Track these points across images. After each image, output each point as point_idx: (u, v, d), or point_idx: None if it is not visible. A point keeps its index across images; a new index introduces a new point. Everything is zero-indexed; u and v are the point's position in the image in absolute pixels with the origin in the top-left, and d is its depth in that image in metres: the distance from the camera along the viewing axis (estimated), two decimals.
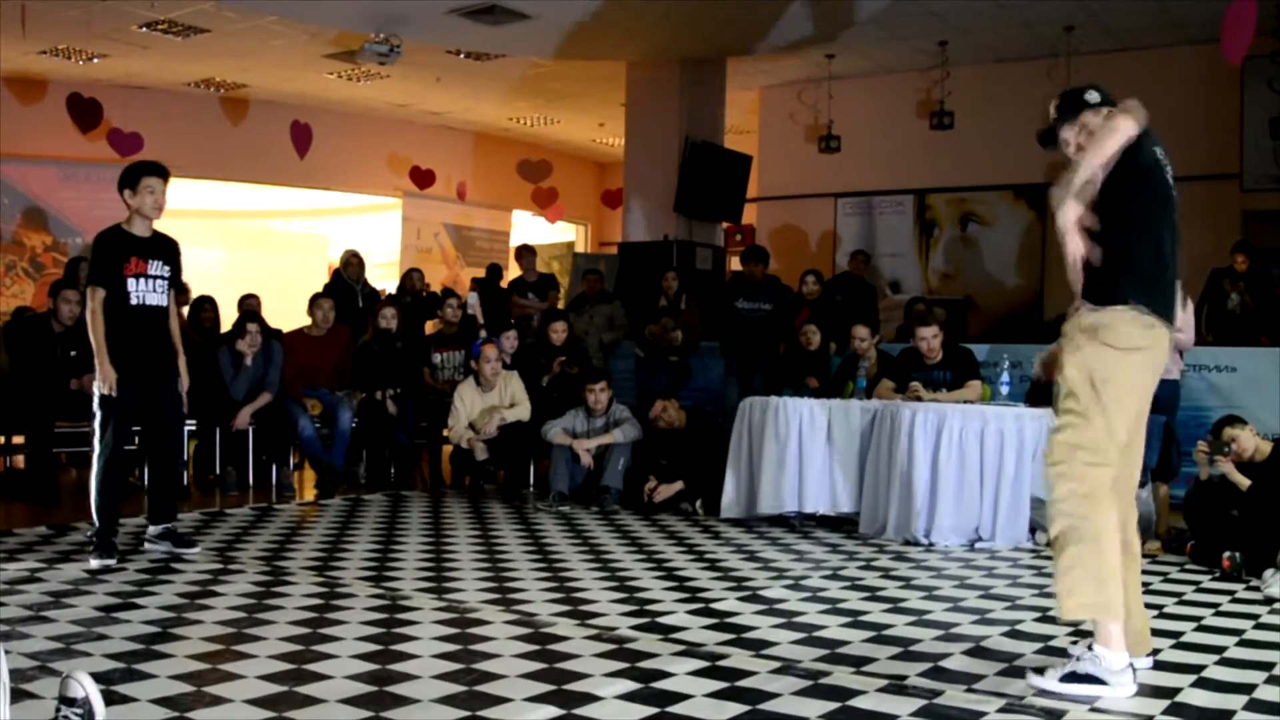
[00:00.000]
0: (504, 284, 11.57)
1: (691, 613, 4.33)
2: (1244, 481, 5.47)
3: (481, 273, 13.37)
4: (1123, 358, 3.37)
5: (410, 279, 10.26)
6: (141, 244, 5.26)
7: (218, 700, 3.14)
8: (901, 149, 12.63)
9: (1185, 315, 6.59)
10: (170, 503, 5.47)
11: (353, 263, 10.02)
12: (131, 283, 5.20)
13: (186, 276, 5.99)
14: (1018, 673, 3.52)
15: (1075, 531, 3.31)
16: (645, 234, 11.55)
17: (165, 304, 5.35)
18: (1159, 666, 3.67)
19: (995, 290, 12.14)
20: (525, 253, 11.38)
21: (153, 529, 5.41)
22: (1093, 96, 3.55)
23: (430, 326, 9.61)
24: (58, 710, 2.63)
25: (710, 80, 11.65)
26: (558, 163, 16.38)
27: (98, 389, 5.17)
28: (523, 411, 7.73)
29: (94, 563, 5.05)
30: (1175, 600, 4.75)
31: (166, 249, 5.37)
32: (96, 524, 5.17)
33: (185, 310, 5.57)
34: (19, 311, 9.58)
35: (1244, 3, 5.53)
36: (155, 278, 5.28)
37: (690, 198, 11.28)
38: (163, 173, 5.27)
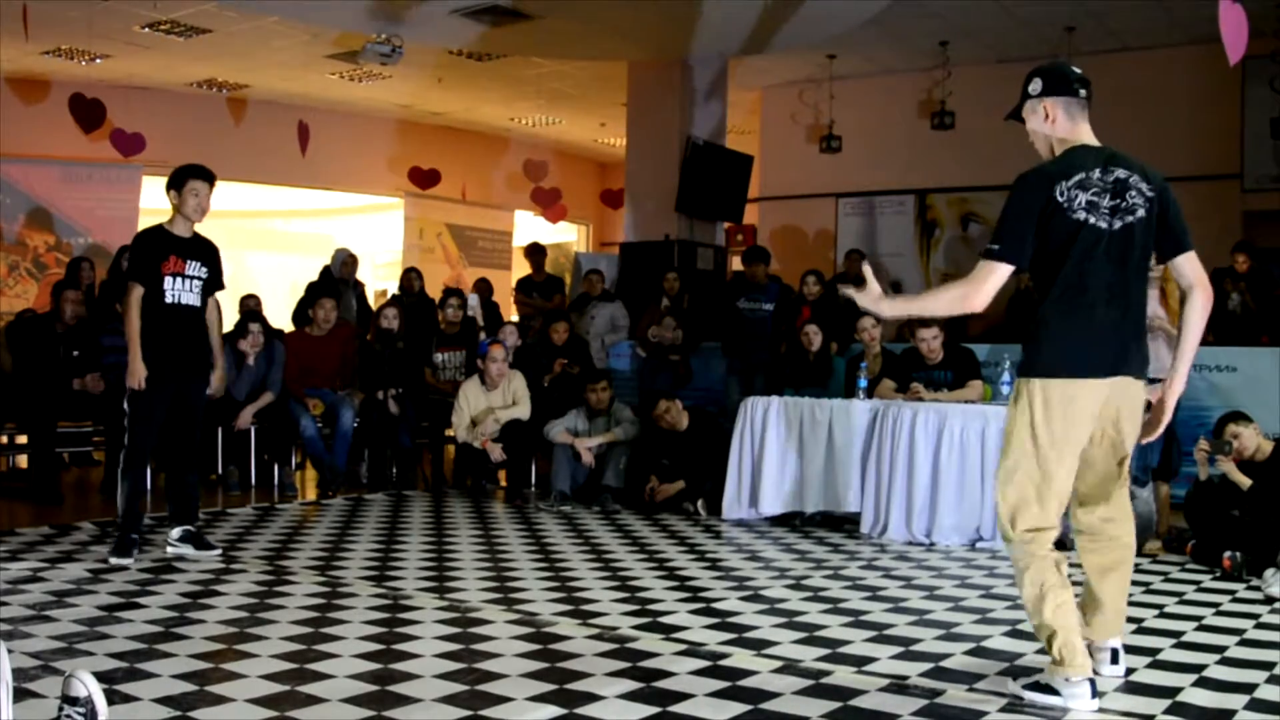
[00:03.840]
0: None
1: (693, 612, 4.34)
2: (1245, 481, 5.46)
3: (483, 273, 13.39)
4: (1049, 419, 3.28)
5: (408, 279, 10.27)
6: (181, 244, 5.34)
7: (220, 699, 3.15)
8: (902, 149, 12.63)
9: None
10: (192, 505, 5.47)
11: (348, 262, 10.04)
12: (169, 281, 5.27)
13: None
14: (1019, 673, 3.52)
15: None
16: (646, 234, 11.55)
17: (199, 304, 5.41)
18: (1159, 666, 3.68)
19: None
20: (536, 252, 11.40)
21: (174, 532, 5.39)
22: (1034, 87, 3.37)
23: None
24: (60, 709, 2.64)
25: (711, 80, 11.64)
26: (559, 163, 16.37)
27: (129, 385, 5.20)
28: (521, 410, 7.73)
29: (112, 560, 5.08)
30: (1176, 600, 4.75)
31: (205, 251, 5.45)
32: (120, 521, 5.21)
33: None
34: (22, 313, 9.58)
35: (1233, 5, 5.51)
36: (192, 278, 5.35)
37: (691, 198, 11.27)
38: (209, 177, 5.38)
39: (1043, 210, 3.23)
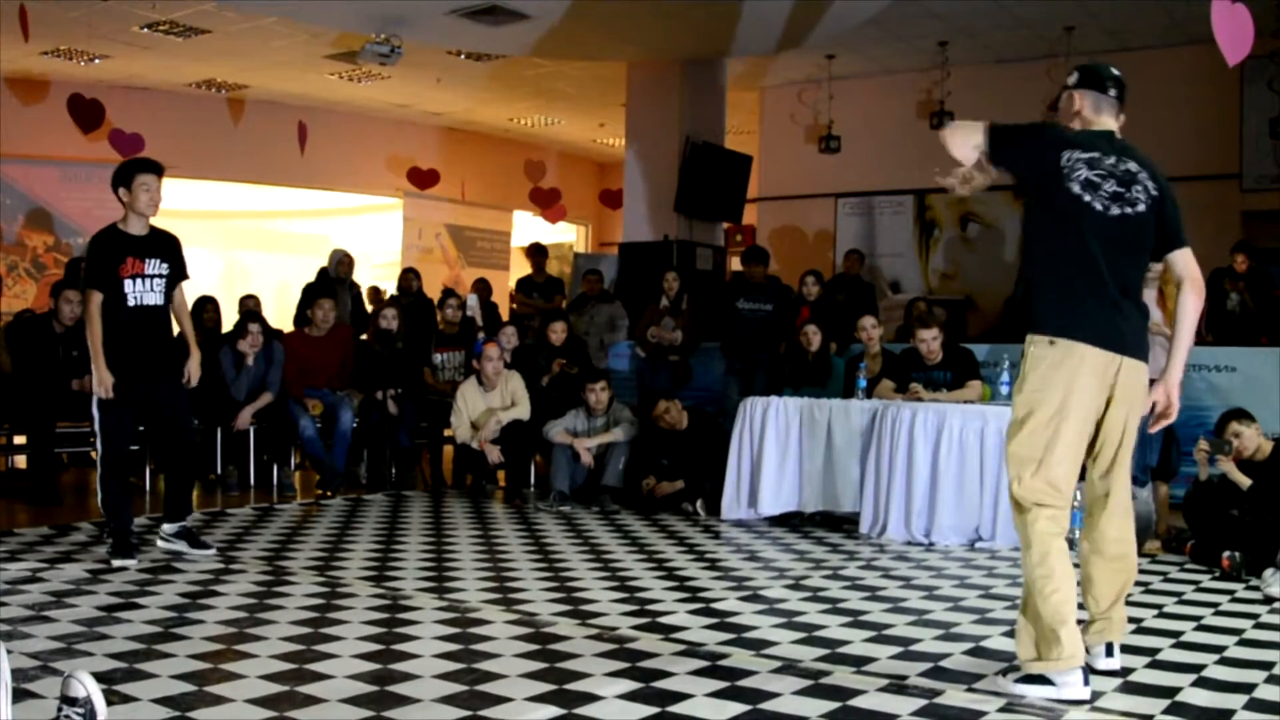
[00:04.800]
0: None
1: (692, 612, 4.34)
2: (1244, 480, 5.47)
3: (482, 273, 13.39)
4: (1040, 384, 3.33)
5: (407, 279, 10.28)
6: (138, 243, 5.17)
7: (219, 700, 3.15)
8: (902, 149, 12.62)
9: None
10: (184, 501, 5.42)
11: (344, 262, 10.03)
12: (128, 284, 5.11)
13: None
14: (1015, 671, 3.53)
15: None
16: (645, 234, 11.55)
17: (163, 303, 5.25)
18: (1158, 665, 3.68)
19: (995, 290, 12.15)
20: (537, 252, 11.40)
21: (167, 527, 5.37)
22: (1071, 79, 3.56)
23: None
24: (59, 710, 2.64)
25: (710, 80, 11.65)
26: (558, 163, 16.36)
27: (95, 394, 5.11)
28: (521, 411, 7.73)
29: (115, 562, 5.07)
30: (1175, 600, 4.75)
31: (164, 246, 5.27)
32: (111, 525, 5.18)
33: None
34: (21, 314, 9.58)
35: (1232, 6, 5.49)
36: (153, 277, 5.17)
37: (690, 198, 11.28)
38: (157, 169, 5.19)
39: (1046, 163, 3.36)
